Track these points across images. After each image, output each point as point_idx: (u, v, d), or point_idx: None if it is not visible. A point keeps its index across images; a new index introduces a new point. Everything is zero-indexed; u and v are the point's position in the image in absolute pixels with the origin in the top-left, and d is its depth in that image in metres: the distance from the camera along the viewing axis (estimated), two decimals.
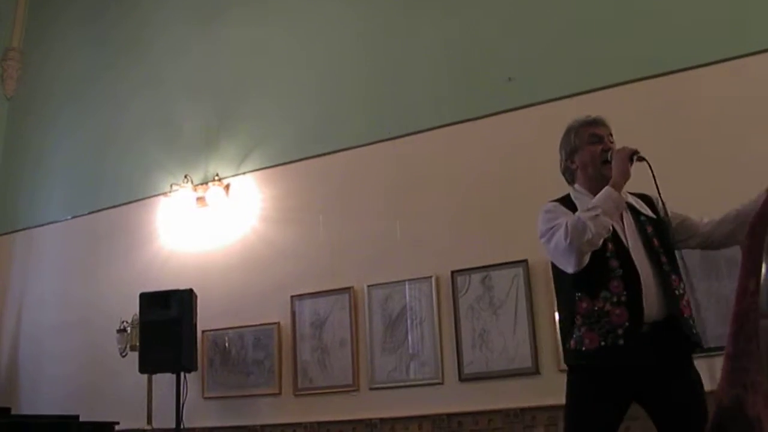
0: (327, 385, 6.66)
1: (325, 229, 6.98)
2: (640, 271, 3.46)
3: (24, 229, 8.94)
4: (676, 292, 3.48)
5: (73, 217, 8.55)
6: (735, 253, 5.08)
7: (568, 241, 3.44)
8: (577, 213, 3.51)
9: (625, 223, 3.62)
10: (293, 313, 6.94)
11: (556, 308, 3.85)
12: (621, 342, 3.39)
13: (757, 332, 1.28)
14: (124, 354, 7.19)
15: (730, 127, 5.55)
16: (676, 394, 3.39)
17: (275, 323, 6.98)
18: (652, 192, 3.69)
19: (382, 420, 6.31)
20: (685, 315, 3.46)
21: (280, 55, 7.74)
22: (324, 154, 7.16)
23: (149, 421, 6.92)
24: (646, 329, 3.41)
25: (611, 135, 3.76)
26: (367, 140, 6.97)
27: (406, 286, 6.50)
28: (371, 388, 6.47)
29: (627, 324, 3.40)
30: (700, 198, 5.33)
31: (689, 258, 3.80)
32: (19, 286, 8.71)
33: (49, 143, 9.09)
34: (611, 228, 3.48)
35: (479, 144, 6.46)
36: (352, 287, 6.71)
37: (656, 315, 3.43)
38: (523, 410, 5.78)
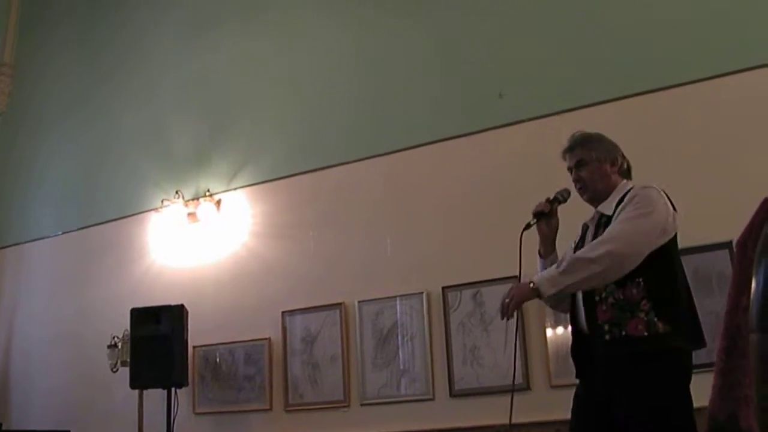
0: (318, 401, 6.65)
1: (316, 245, 6.98)
2: None
3: (14, 245, 8.93)
4: (596, 297, 3.49)
5: (64, 233, 8.55)
6: (725, 269, 5.14)
7: None
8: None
9: (587, 238, 3.77)
10: (284, 329, 6.93)
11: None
12: (572, 355, 3.69)
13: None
14: (115, 369, 7.18)
15: (721, 143, 5.58)
16: (616, 409, 3.44)
17: (266, 339, 6.97)
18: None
19: None
20: (598, 321, 3.47)
21: (271, 72, 7.76)
22: (315, 170, 7.17)
23: None
24: (583, 341, 3.61)
25: (581, 159, 3.82)
26: (358, 156, 6.97)
27: (397, 302, 6.50)
28: (362, 404, 6.46)
29: (572, 337, 3.69)
30: (693, 211, 5.38)
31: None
32: (9, 302, 8.69)
33: (40, 158, 9.08)
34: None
35: (470, 160, 6.47)
36: (343, 303, 6.71)
37: (583, 325, 3.60)
38: (514, 426, 5.78)
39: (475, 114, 6.56)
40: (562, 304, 3.86)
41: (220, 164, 7.70)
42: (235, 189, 7.55)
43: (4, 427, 7.47)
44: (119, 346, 7.17)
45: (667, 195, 3.60)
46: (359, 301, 6.64)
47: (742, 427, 1.33)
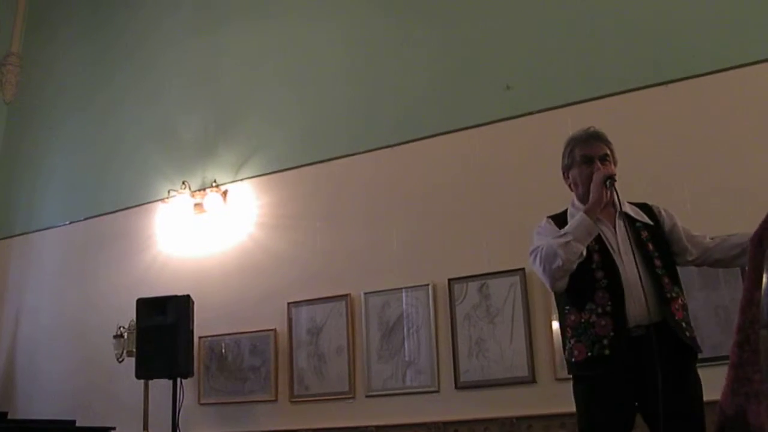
0: (323, 392, 6.65)
1: (323, 236, 6.98)
2: (624, 279, 3.52)
3: (21, 234, 8.95)
4: (668, 295, 3.51)
5: (71, 223, 8.56)
6: None
7: (541, 267, 3.57)
8: (550, 238, 3.61)
9: (617, 231, 3.67)
10: (290, 320, 6.93)
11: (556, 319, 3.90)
12: (606, 352, 3.47)
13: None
14: (120, 359, 7.18)
15: (727, 137, 5.55)
16: (671, 403, 3.32)
17: (272, 330, 6.98)
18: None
19: (377, 427, 6.31)
20: (676, 318, 3.49)
21: (276, 66, 7.77)
22: (321, 162, 7.17)
23: (145, 426, 6.91)
24: (637, 335, 3.46)
25: (607, 153, 3.79)
26: (365, 148, 6.97)
27: (403, 294, 6.50)
28: (367, 396, 6.46)
29: (612, 334, 3.48)
30: (701, 204, 5.36)
31: (687, 269, 3.83)
32: (16, 291, 8.71)
33: (47, 148, 9.10)
34: (584, 252, 3.55)
35: (477, 152, 6.46)
36: (349, 294, 6.71)
37: (646, 320, 3.46)
38: (519, 419, 5.78)
39: (482, 106, 6.55)
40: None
41: (226, 155, 7.70)
42: (241, 180, 7.55)
43: (9, 416, 7.48)
44: (125, 336, 7.17)
45: None
46: (365, 293, 6.64)
47: (750, 422, 1.31)
